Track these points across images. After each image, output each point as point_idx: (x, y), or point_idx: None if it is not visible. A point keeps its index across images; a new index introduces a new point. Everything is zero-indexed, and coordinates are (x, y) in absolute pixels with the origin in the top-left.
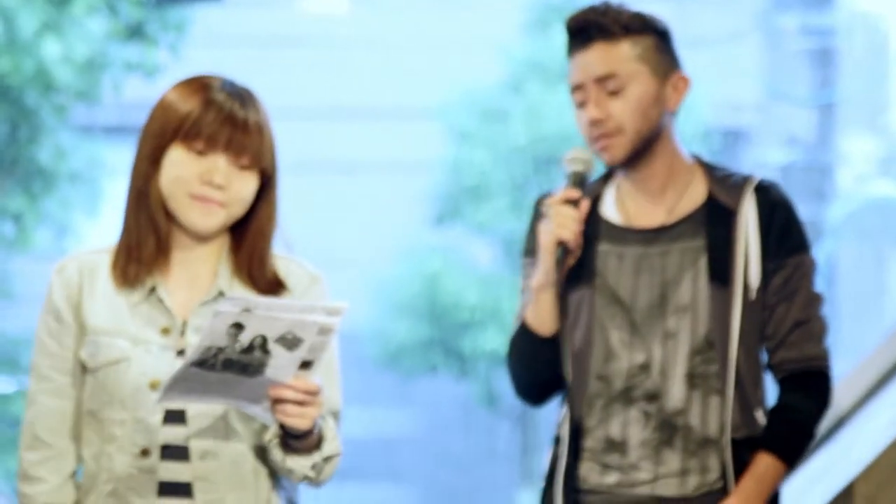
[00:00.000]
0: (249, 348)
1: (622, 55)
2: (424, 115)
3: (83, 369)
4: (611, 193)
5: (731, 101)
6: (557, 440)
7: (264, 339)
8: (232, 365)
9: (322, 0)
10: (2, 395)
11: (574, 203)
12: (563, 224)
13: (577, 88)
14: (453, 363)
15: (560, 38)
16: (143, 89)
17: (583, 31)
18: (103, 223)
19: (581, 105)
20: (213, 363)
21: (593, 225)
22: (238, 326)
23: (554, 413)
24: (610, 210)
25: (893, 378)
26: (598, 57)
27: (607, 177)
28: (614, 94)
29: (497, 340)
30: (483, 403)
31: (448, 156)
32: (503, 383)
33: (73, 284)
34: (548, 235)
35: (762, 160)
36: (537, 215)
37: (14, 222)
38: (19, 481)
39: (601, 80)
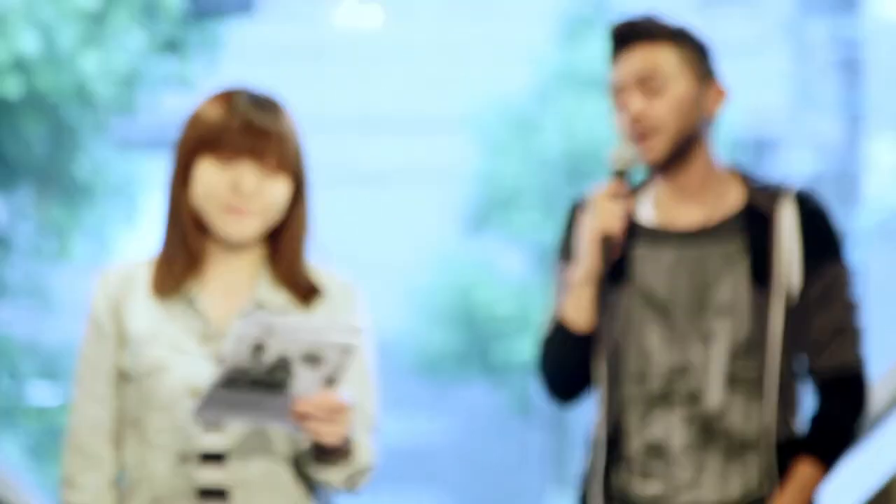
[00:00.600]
0: (273, 368)
1: (664, 57)
2: (457, 126)
3: (124, 377)
4: (646, 197)
5: (760, 111)
6: (594, 444)
7: (287, 359)
8: (258, 384)
9: (355, 13)
10: (44, 406)
11: (619, 199)
12: (608, 219)
13: (617, 89)
14: (488, 372)
15: (592, 47)
16: (179, 103)
17: (627, 36)
18: (141, 236)
19: (621, 106)
20: (239, 384)
21: (629, 228)
22: (259, 347)
23: (589, 421)
24: (645, 213)
25: None
26: (641, 57)
27: (644, 182)
28: (655, 93)
29: (530, 349)
30: (517, 412)
31: (480, 166)
32: (537, 392)
33: (113, 293)
34: (592, 230)
35: (791, 169)
36: (573, 219)
37: (55, 235)
38: (61, 488)
39: (642, 79)
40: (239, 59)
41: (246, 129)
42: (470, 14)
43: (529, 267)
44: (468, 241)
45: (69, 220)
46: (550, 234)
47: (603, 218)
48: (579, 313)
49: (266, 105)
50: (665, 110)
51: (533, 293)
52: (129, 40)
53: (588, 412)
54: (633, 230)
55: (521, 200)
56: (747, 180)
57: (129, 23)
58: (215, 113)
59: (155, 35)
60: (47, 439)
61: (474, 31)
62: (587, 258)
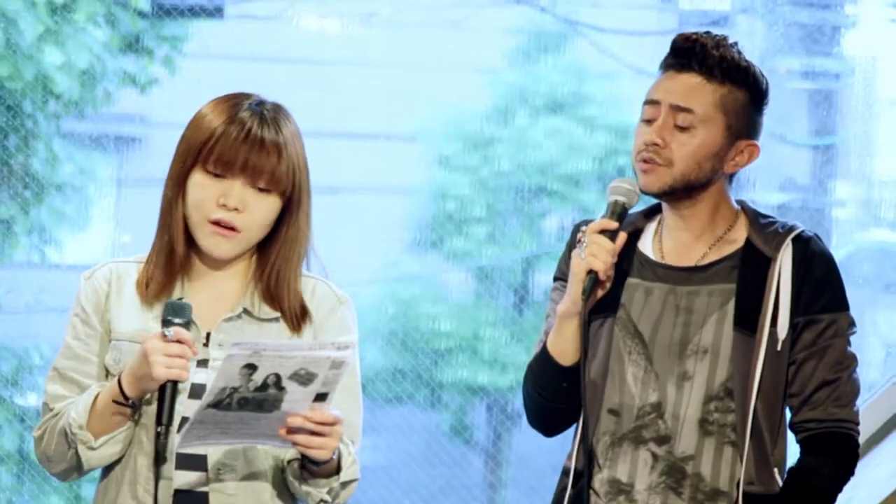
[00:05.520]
0: (264, 386)
1: (707, 97)
2: (408, 139)
3: (107, 375)
4: (651, 229)
5: None
6: (566, 471)
7: (278, 377)
8: (248, 403)
9: (318, 20)
10: None
11: (611, 234)
12: (596, 254)
13: (651, 103)
14: (424, 392)
15: (549, 67)
16: (135, 101)
17: (685, 55)
18: (89, 235)
19: (647, 121)
20: (228, 402)
21: (628, 257)
22: (251, 367)
23: (524, 448)
24: (647, 245)
25: (892, 431)
26: (686, 86)
27: (651, 213)
28: (682, 129)
29: (470, 370)
30: (453, 434)
31: (429, 181)
32: (474, 415)
33: (100, 291)
34: (579, 263)
35: (758, 201)
36: (573, 240)
37: (3, 230)
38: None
39: (677, 109)
40: (198, 59)
41: (243, 141)
42: (430, 26)
43: (474, 286)
44: (413, 257)
45: (19, 214)
46: (497, 252)
47: (590, 251)
48: (562, 347)
49: (268, 117)
50: (683, 150)
51: (476, 312)
52: (93, 34)
53: (528, 441)
54: (632, 259)
55: (469, 218)
56: (753, 219)
57: (93, 16)
58: (218, 119)
59: (117, 31)
60: None
61: (433, 43)
62: (570, 291)
